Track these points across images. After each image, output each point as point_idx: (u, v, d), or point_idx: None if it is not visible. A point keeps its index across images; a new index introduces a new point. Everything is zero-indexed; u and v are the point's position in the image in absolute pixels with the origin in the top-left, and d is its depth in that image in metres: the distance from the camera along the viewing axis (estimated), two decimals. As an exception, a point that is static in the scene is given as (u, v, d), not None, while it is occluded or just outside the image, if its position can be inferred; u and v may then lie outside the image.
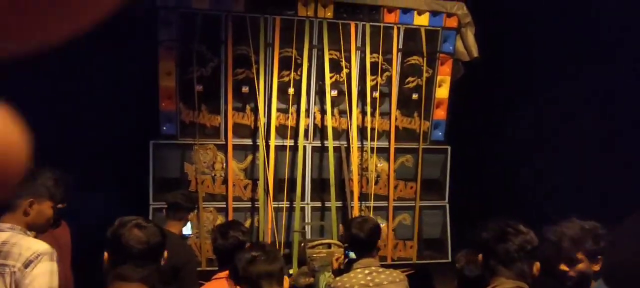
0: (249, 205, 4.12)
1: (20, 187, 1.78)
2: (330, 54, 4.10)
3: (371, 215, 4.13)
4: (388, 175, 4.33)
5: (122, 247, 1.47)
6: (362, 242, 2.16)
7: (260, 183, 4.00)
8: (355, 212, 4.13)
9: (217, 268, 2.27)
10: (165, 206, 3.05)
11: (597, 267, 1.75)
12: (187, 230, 3.01)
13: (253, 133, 4.11)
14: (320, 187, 4.26)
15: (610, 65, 4.83)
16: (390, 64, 4.25)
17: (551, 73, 5.19)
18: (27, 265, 1.65)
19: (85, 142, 3.91)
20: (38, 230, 1.83)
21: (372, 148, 4.25)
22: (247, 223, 4.09)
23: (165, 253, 1.62)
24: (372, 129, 4.24)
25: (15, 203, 1.79)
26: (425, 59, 4.28)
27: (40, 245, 1.72)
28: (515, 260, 1.54)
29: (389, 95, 4.30)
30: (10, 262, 1.65)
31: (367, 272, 2.07)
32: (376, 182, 4.32)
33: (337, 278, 2.11)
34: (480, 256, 1.63)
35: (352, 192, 4.16)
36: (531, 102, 5.33)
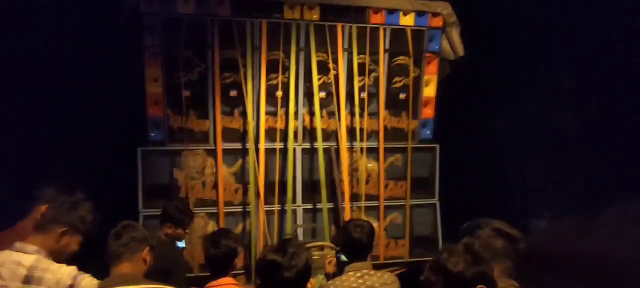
0: (240, 210, 4.10)
1: (60, 212, 1.74)
2: (317, 56, 4.11)
3: (363, 216, 4.17)
4: (378, 175, 4.35)
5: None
6: (363, 245, 2.17)
7: (251, 187, 4.00)
8: (347, 213, 4.14)
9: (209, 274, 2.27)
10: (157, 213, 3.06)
11: None
12: (181, 243, 3.00)
13: (242, 137, 4.10)
14: (311, 189, 4.26)
15: (596, 64, 4.93)
16: (378, 64, 4.28)
17: (536, 71, 5.28)
18: None
19: (73, 150, 3.86)
20: (57, 259, 1.76)
21: (361, 149, 4.27)
22: (239, 228, 4.08)
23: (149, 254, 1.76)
24: (361, 130, 4.27)
25: (49, 227, 1.73)
26: (411, 58, 4.32)
27: (70, 268, 1.73)
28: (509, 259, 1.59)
29: (377, 95, 4.33)
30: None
31: (359, 274, 2.09)
32: (366, 182, 4.35)
33: (329, 282, 2.13)
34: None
35: (343, 193, 4.18)
36: (517, 99, 5.41)
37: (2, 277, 1.62)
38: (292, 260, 1.51)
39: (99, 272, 1.91)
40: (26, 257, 1.66)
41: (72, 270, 1.72)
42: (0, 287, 1.61)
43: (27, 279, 1.63)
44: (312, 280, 1.61)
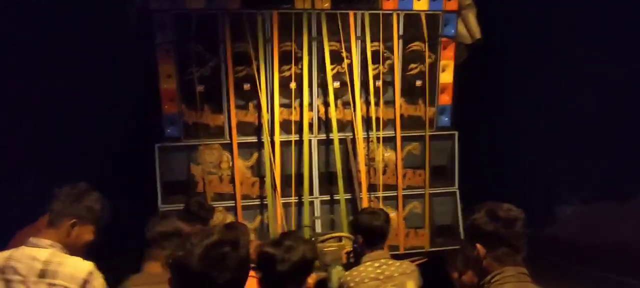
0: (258, 203, 4.10)
1: (66, 205, 1.75)
2: (330, 45, 4.05)
3: (381, 206, 4.11)
4: (396, 164, 4.28)
5: None
6: (379, 233, 2.11)
7: (268, 180, 3.98)
8: (365, 203, 4.09)
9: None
10: (179, 208, 3.09)
11: None
12: None
13: (257, 130, 4.08)
14: (327, 181, 4.22)
15: (618, 45, 4.73)
16: (392, 51, 4.19)
17: (557, 52, 5.10)
18: (83, 285, 1.65)
19: (91, 149, 3.93)
20: (72, 251, 1.75)
21: (378, 138, 4.20)
22: (257, 220, 4.08)
23: None
24: (377, 119, 4.19)
25: (59, 221, 1.74)
26: (426, 44, 4.21)
27: (86, 263, 1.71)
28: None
29: (392, 83, 4.24)
30: (59, 281, 1.63)
31: (377, 265, 2.04)
32: (384, 172, 4.28)
33: (347, 273, 2.08)
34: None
35: (360, 184, 4.12)
36: (538, 82, 5.25)
37: (19, 273, 1.63)
38: (287, 253, 1.49)
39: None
40: (41, 251, 1.67)
41: (88, 265, 1.71)
42: (18, 282, 1.62)
43: (43, 273, 1.63)
44: (314, 275, 1.57)
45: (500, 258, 1.44)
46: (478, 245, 1.47)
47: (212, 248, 1.13)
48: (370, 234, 2.09)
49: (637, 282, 4.37)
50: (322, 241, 3.56)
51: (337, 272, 2.73)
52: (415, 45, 4.24)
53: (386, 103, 4.26)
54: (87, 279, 1.65)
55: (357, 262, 2.11)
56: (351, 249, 2.24)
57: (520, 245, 1.46)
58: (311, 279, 1.54)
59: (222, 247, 1.15)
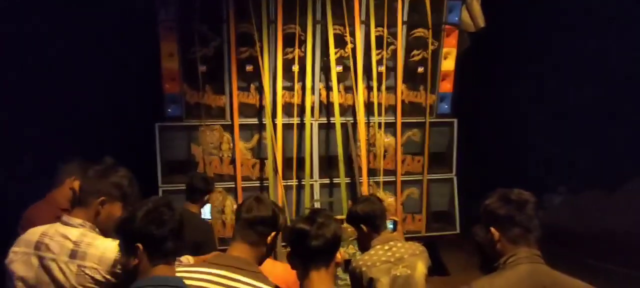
0: (258, 185, 4.11)
1: (92, 182, 1.70)
2: (334, 29, 4.03)
3: (381, 190, 4.16)
4: (395, 150, 4.31)
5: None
6: (378, 216, 2.15)
7: (269, 162, 3.99)
8: (364, 188, 4.13)
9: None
10: (179, 188, 3.06)
11: None
12: (206, 214, 3.01)
13: (258, 112, 4.07)
14: (327, 164, 4.24)
15: (617, 37, 4.79)
16: (395, 37, 4.19)
17: (558, 43, 5.15)
18: (113, 266, 1.62)
19: (90, 127, 3.88)
20: (103, 230, 1.70)
21: (379, 124, 4.22)
22: (257, 203, 4.09)
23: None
24: (379, 104, 4.21)
25: (87, 200, 1.69)
26: (430, 31, 4.21)
27: (115, 244, 1.65)
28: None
29: (395, 69, 4.25)
30: (89, 263, 1.60)
31: (387, 247, 2.08)
32: (383, 157, 4.31)
33: (358, 257, 2.11)
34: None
35: (360, 168, 4.15)
36: (537, 72, 5.30)
37: (51, 250, 1.60)
38: (320, 229, 1.52)
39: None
40: (72, 230, 1.64)
41: (116, 246, 1.64)
42: (49, 260, 1.60)
43: (73, 253, 1.60)
44: (341, 250, 1.60)
45: (514, 239, 1.50)
46: (492, 229, 1.52)
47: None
48: (371, 220, 2.12)
49: (622, 269, 4.53)
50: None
51: (338, 254, 2.76)
52: (419, 32, 4.24)
53: (388, 89, 4.27)
54: (117, 259, 1.61)
55: (364, 248, 2.14)
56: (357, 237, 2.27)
57: (532, 226, 1.51)
58: (340, 255, 1.58)
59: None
